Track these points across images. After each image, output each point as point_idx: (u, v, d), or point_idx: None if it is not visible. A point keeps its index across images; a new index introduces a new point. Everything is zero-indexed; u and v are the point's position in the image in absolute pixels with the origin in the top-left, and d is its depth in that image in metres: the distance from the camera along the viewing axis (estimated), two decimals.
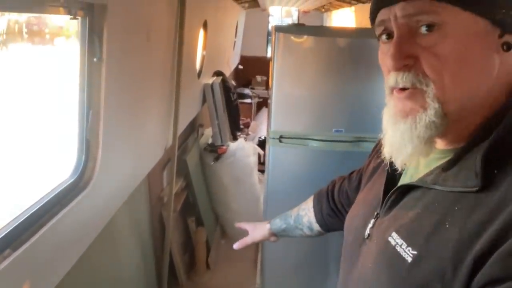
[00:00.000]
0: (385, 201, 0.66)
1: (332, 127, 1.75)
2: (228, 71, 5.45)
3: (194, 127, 3.55)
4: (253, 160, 3.64)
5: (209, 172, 3.45)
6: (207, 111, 3.87)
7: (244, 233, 3.81)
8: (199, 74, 3.41)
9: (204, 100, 3.70)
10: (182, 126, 2.78)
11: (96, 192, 1.41)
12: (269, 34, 8.75)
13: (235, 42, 6.37)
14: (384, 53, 0.61)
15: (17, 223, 1.03)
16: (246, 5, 5.73)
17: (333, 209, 1.06)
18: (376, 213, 0.69)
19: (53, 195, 1.19)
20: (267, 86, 7.80)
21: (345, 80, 1.71)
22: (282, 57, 1.74)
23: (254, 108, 7.09)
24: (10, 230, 1.00)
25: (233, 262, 3.21)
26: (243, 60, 7.72)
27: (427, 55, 0.55)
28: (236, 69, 7.27)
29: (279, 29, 1.72)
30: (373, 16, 0.63)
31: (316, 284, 2.04)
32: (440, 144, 0.62)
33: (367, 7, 4.02)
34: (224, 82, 4.09)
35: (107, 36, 1.28)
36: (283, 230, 1.20)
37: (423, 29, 0.55)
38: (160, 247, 2.60)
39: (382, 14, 0.60)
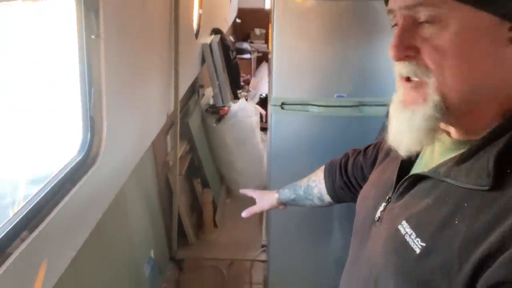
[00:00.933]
0: (397, 187, 0.67)
1: (334, 92, 1.74)
2: (226, 27, 5.32)
3: (194, 88, 3.53)
4: (255, 120, 3.65)
5: (212, 133, 3.48)
6: (206, 71, 3.83)
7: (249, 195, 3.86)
8: (196, 34, 3.34)
9: (203, 60, 3.65)
10: (183, 89, 2.77)
11: (104, 167, 1.44)
12: None
13: None
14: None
15: (31, 205, 1.07)
16: None
17: (346, 183, 1.07)
18: (388, 197, 0.69)
19: (62, 174, 1.22)
20: (266, 39, 7.62)
21: (348, 43, 1.68)
22: (282, 20, 1.70)
23: (253, 63, 6.97)
24: (26, 213, 1.03)
25: (239, 220, 3.26)
26: (241, 13, 7.49)
27: (427, 47, 0.55)
28: (234, 23, 7.08)
29: None
30: (386, 4, 0.63)
31: (320, 240, 2.12)
32: (455, 134, 0.61)
33: None
34: (222, 40, 4.00)
35: (103, 11, 1.25)
36: (293, 200, 1.22)
37: (424, 21, 0.55)
38: (169, 210, 2.68)
39: (390, 3, 0.60)
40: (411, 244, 0.58)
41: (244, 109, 3.48)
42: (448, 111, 0.56)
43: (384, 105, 1.48)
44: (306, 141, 1.81)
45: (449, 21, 0.53)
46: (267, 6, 8.28)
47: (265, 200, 1.27)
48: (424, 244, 0.56)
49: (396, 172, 0.69)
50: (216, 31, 4.23)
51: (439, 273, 0.53)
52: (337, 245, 2.03)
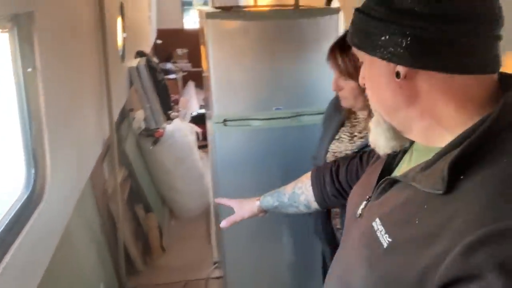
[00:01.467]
0: (376, 188, 0.75)
1: (272, 106, 1.83)
2: (148, 49, 5.29)
3: (124, 113, 3.46)
4: (192, 139, 3.66)
5: (149, 157, 3.42)
6: (134, 94, 3.77)
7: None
8: (122, 58, 3.30)
9: (130, 84, 3.59)
10: (116, 114, 2.72)
11: (50, 203, 1.39)
12: (183, 3, 8.49)
13: (150, 16, 6.13)
14: None
15: None
16: None
17: (339, 190, 1.09)
18: (368, 196, 0.77)
19: (10, 216, 1.16)
20: (189, 58, 7.66)
21: (280, 59, 1.79)
22: (216, 43, 1.77)
23: (180, 83, 6.96)
24: None
25: (186, 241, 3.28)
26: (161, 34, 7.46)
27: (365, 79, 0.73)
28: (155, 44, 7.03)
29: (209, 15, 1.74)
30: None
31: (272, 247, 2.18)
32: (424, 142, 0.69)
33: None
34: (148, 62, 3.98)
35: (38, 44, 1.23)
36: (275, 207, 1.21)
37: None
38: (114, 240, 2.59)
39: None
40: (381, 239, 0.64)
41: (180, 129, 3.48)
42: (389, 125, 0.71)
43: (319, 113, 1.59)
44: (250, 153, 1.88)
45: (365, 62, 0.71)
46: (186, 26, 8.35)
47: (245, 208, 1.27)
48: (390, 240, 0.62)
49: (377, 176, 0.78)
50: (140, 54, 4.19)
51: (401, 267, 0.59)
52: (289, 250, 2.11)
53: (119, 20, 3.11)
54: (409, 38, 0.60)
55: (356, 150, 1.30)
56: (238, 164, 1.90)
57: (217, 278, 2.76)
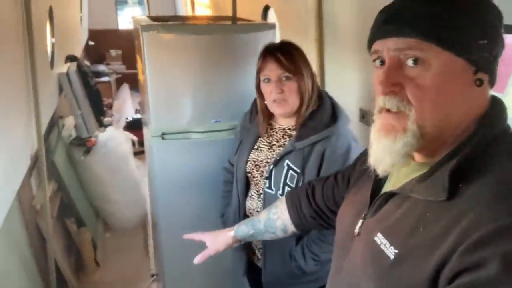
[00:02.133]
0: (372, 205, 0.75)
1: (211, 118, 1.84)
2: (79, 51, 5.05)
3: (53, 122, 3.27)
4: (127, 147, 3.55)
5: (81, 167, 3.26)
6: (64, 101, 3.58)
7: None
8: (51, 64, 3.12)
9: (60, 90, 3.41)
10: (44, 125, 2.57)
11: None
12: (117, 3, 8.20)
13: (81, 17, 5.85)
14: (377, 77, 0.69)
15: None
16: None
17: (317, 211, 1.09)
18: (364, 214, 0.77)
19: None
20: (123, 60, 7.41)
21: (218, 73, 1.79)
22: (152, 56, 1.73)
23: (113, 85, 6.70)
24: None
25: (122, 254, 3.17)
26: (93, 34, 7.15)
27: (411, 85, 0.64)
28: (87, 45, 6.72)
29: (145, 28, 1.70)
30: (369, 45, 0.71)
31: (214, 262, 2.18)
32: (417, 158, 0.71)
33: None
34: (79, 67, 3.80)
35: None
36: (251, 235, 1.20)
37: (410, 62, 0.64)
38: (43, 258, 2.44)
39: (377, 45, 0.68)
40: (386, 251, 0.66)
41: (114, 137, 3.36)
42: (422, 139, 0.66)
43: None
44: (189, 166, 1.87)
45: (432, 63, 0.63)
46: (121, 26, 8.07)
47: (219, 241, 1.23)
48: (397, 251, 0.64)
49: (369, 192, 0.78)
50: (71, 58, 3.98)
51: (412, 273, 0.61)
52: (230, 260, 2.11)
53: (47, 25, 2.93)
54: (497, 48, 0.63)
55: (278, 157, 1.41)
56: (177, 177, 1.88)
57: None
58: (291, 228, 1.14)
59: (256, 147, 1.51)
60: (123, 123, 5.20)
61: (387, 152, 0.68)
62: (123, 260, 3.09)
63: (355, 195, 0.87)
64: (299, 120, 1.41)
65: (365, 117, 2.17)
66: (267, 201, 1.43)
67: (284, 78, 1.38)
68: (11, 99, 1.94)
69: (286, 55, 1.38)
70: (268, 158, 1.47)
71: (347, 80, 2.22)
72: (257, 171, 1.49)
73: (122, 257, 3.12)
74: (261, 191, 1.48)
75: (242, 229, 1.21)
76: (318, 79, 2.37)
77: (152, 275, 2.84)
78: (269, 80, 1.40)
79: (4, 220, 1.70)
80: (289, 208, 1.14)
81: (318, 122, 1.38)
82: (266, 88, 1.41)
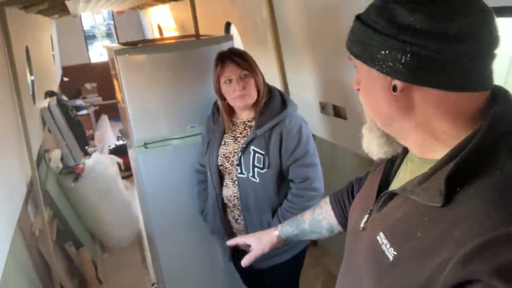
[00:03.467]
0: (377, 201, 0.76)
1: (187, 124, 2.06)
2: (55, 87, 5.22)
3: (41, 155, 3.43)
4: (114, 170, 3.72)
5: (72, 193, 3.42)
6: (47, 135, 3.75)
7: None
8: (33, 100, 3.31)
9: (43, 124, 3.58)
10: (35, 155, 2.74)
11: None
12: (86, 38, 8.39)
13: (53, 55, 6.03)
14: None
15: None
16: (56, 15, 5.46)
17: None
18: (370, 209, 0.78)
19: None
20: (99, 92, 7.58)
21: (187, 84, 2.02)
22: (127, 76, 1.95)
23: (93, 117, 6.86)
24: None
25: (122, 270, 3.32)
26: (67, 70, 7.32)
27: (360, 86, 0.73)
28: (62, 81, 6.88)
29: (118, 52, 1.93)
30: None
31: (210, 260, 2.34)
32: (417, 153, 0.71)
33: (180, 4, 4.36)
34: (59, 101, 4.00)
35: None
36: (296, 235, 1.20)
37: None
38: (49, 280, 2.58)
39: None
40: (386, 253, 0.66)
41: (100, 161, 3.53)
42: (379, 131, 0.74)
43: None
44: (172, 170, 2.08)
45: (362, 71, 0.70)
46: (93, 59, 8.26)
47: (264, 242, 1.22)
48: (396, 253, 0.64)
49: (377, 187, 0.80)
50: (50, 93, 4.18)
51: (407, 279, 0.61)
52: (227, 264, 2.25)
53: (26, 64, 3.13)
54: (408, 55, 0.60)
55: (244, 145, 1.65)
56: (163, 182, 2.08)
57: None
58: (338, 227, 1.13)
59: (223, 142, 1.77)
60: (106, 151, 5.35)
61: (371, 141, 0.76)
62: (124, 275, 3.23)
63: (366, 188, 0.88)
64: (257, 109, 1.66)
65: (325, 108, 2.42)
66: (241, 184, 1.68)
67: (243, 76, 1.64)
68: (4, 132, 2.13)
69: (240, 57, 1.65)
70: (235, 149, 1.72)
71: (306, 78, 2.47)
72: (228, 162, 1.74)
73: (122, 273, 3.26)
74: (234, 178, 1.72)
75: (287, 229, 1.21)
76: (280, 80, 2.64)
77: (153, 284, 3.00)
78: (230, 80, 1.65)
79: (10, 246, 1.86)
80: (334, 208, 1.13)
81: (272, 110, 1.65)
82: (228, 89, 1.66)
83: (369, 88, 0.69)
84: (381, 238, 0.69)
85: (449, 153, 0.63)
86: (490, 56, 0.62)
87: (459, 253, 0.54)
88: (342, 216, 1.12)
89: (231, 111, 1.75)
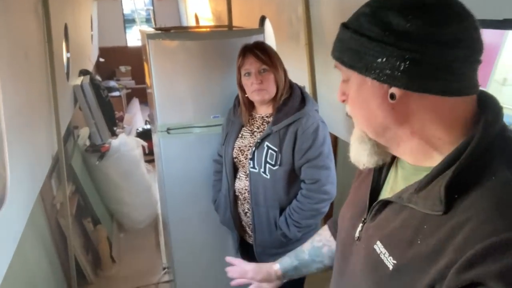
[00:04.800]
0: (370, 210, 0.75)
1: (211, 114, 2.07)
2: (91, 67, 5.35)
3: (69, 131, 3.53)
4: (138, 152, 3.78)
5: (96, 172, 3.50)
6: (78, 113, 3.85)
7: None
8: (67, 77, 3.40)
9: (75, 102, 3.68)
10: (63, 130, 2.82)
11: (9, 210, 1.50)
12: (125, 22, 8.56)
13: (92, 35, 6.18)
14: None
15: None
16: None
17: None
18: (363, 218, 0.77)
19: None
20: (133, 76, 7.73)
21: (215, 73, 2.03)
22: (157, 61, 1.98)
23: (124, 100, 7.00)
24: None
25: (136, 252, 3.39)
26: (103, 52, 7.48)
27: (348, 97, 0.71)
28: (97, 62, 7.04)
29: (150, 36, 1.95)
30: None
31: (221, 254, 2.35)
32: (409, 160, 0.70)
33: None
34: (92, 80, 4.08)
35: None
36: (295, 267, 1.13)
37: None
38: (64, 253, 2.66)
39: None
40: (385, 261, 0.66)
41: (125, 143, 3.60)
42: (370, 142, 0.72)
43: None
44: (192, 158, 2.10)
45: (352, 81, 0.68)
46: (130, 43, 8.41)
47: (262, 269, 1.16)
48: (395, 262, 0.64)
49: (368, 195, 0.78)
50: (84, 72, 4.28)
51: (409, 286, 0.61)
52: (235, 252, 2.26)
53: (63, 41, 3.22)
54: (407, 62, 0.60)
55: (259, 140, 1.65)
56: (182, 168, 2.10)
57: (167, 282, 2.91)
58: None
59: (240, 135, 1.77)
60: (134, 134, 5.46)
61: (354, 152, 0.75)
62: (137, 257, 3.30)
63: (355, 194, 0.87)
64: (275, 105, 1.66)
65: None
66: (253, 178, 1.69)
67: (262, 70, 1.63)
68: (35, 106, 2.20)
69: (261, 51, 1.65)
70: (251, 143, 1.72)
71: (334, 79, 2.43)
72: (242, 155, 1.74)
73: (136, 255, 3.33)
74: (247, 172, 1.71)
75: (286, 261, 1.14)
76: (309, 79, 2.60)
77: (164, 268, 3.05)
78: (249, 74, 1.65)
79: (30, 215, 1.92)
80: (334, 234, 1.08)
81: (290, 107, 1.63)
82: (247, 81, 1.66)
83: (362, 97, 0.68)
84: (379, 247, 0.68)
85: (445, 160, 0.62)
86: (479, 61, 0.63)
87: (461, 258, 0.54)
88: None
89: (250, 105, 1.75)
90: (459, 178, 0.60)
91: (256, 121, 1.75)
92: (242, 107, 1.74)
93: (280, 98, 1.65)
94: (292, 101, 1.64)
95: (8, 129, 1.45)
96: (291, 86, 1.69)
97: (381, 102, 0.65)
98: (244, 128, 1.78)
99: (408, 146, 0.68)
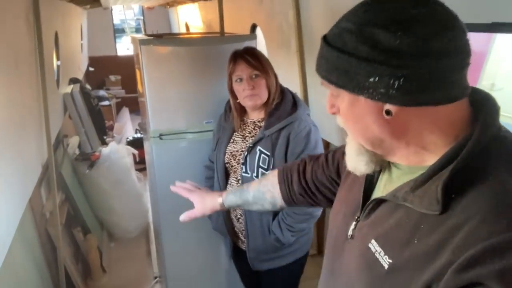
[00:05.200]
0: (364, 208, 0.75)
1: (203, 120, 2.07)
2: (80, 76, 5.32)
3: (59, 139, 3.50)
4: (129, 160, 3.76)
5: (86, 180, 3.47)
6: (68, 121, 3.82)
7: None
8: (57, 85, 3.38)
9: (64, 110, 3.65)
10: (53, 138, 2.79)
11: None
12: (115, 31, 8.55)
13: (82, 44, 6.17)
14: None
15: None
16: (88, 6, 5.59)
17: (305, 189, 1.07)
18: (356, 216, 0.76)
19: None
20: (123, 85, 7.70)
21: (207, 79, 2.04)
22: (150, 67, 1.98)
23: (114, 109, 6.96)
24: None
25: (127, 261, 3.34)
26: (93, 61, 7.46)
27: (339, 111, 0.70)
28: (87, 71, 7.01)
29: (143, 42, 1.95)
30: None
31: (213, 261, 2.35)
32: (405, 162, 0.70)
33: (210, 4, 4.40)
34: (82, 88, 4.06)
35: None
36: (239, 205, 1.22)
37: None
38: (54, 262, 2.62)
39: None
40: (381, 261, 0.65)
41: (116, 151, 3.57)
42: (368, 153, 0.71)
43: None
44: (185, 164, 2.09)
45: (343, 97, 0.66)
46: (120, 52, 8.40)
47: (207, 205, 1.23)
48: (391, 261, 0.64)
49: (361, 194, 0.77)
50: (74, 80, 4.26)
51: (405, 285, 0.61)
52: (228, 259, 2.25)
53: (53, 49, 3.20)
54: (401, 79, 0.59)
55: (251, 145, 1.66)
56: (175, 174, 2.06)
57: None
58: (280, 202, 1.14)
59: (232, 140, 1.77)
60: (124, 143, 5.42)
61: (358, 161, 0.73)
62: (128, 266, 3.25)
63: (348, 192, 0.86)
64: (267, 110, 1.66)
65: None
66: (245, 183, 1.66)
67: (253, 76, 1.64)
68: (25, 113, 2.17)
69: (252, 56, 1.66)
70: (243, 148, 1.72)
71: None
72: (234, 160, 1.74)
73: (126, 264, 3.29)
74: (239, 177, 1.71)
75: (230, 199, 1.22)
76: (300, 85, 2.62)
77: (155, 277, 3.01)
78: (241, 79, 1.65)
79: (19, 224, 1.88)
80: (280, 182, 1.13)
81: (282, 112, 1.64)
82: (238, 87, 1.66)
83: (356, 114, 0.66)
84: (374, 246, 0.68)
85: (441, 160, 0.62)
86: (469, 63, 0.62)
87: (460, 258, 0.54)
88: (288, 193, 1.11)
89: (242, 110, 1.75)
90: (456, 178, 0.59)
91: (248, 126, 1.76)
92: (234, 113, 1.75)
93: (272, 102, 1.66)
94: (284, 105, 1.65)
95: None
96: (283, 91, 1.71)
97: (376, 118, 0.64)
98: (236, 133, 1.78)
99: (405, 153, 0.68)
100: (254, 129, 1.73)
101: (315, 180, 1.06)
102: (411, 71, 0.59)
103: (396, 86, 0.59)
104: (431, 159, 0.65)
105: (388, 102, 0.61)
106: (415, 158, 0.67)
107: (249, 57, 1.65)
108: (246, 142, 1.72)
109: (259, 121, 1.73)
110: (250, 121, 1.75)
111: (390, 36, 0.59)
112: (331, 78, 0.65)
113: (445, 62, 0.59)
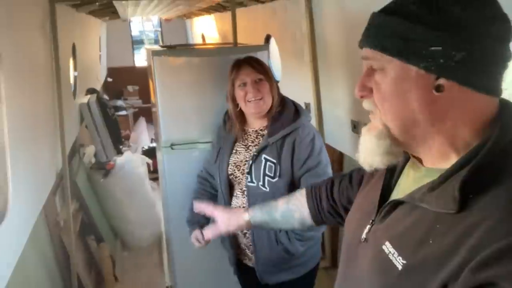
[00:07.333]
0: (379, 211, 0.73)
1: (214, 130, 2.07)
2: (98, 86, 5.42)
3: (75, 148, 3.55)
4: (143, 170, 3.78)
5: (101, 189, 3.50)
6: (84, 131, 3.88)
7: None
8: (74, 95, 3.44)
9: (81, 120, 3.71)
10: (68, 147, 2.83)
11: (9, 226, 1.49)
12: (133, 42, 8.70)
13: (100, 55, 6.29)
14: None
15: None
16: (107, 18, 5.71)
17: (333, 207, 1.07)
18: (371, 220, 0.75)
19: None
20: (140, 95, 7.81)
21: (219, 89, 2.03)
22: (162, 77, 2.00)
23: (131, 119, 7.06)
24: None
25: (139, 270, 3.35)
26: (111, 71, 7.58)
27: (376, 89, 0.67)
28: (106, 81, 7.14)
29: (155, 53, 1.98)
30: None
31: (223, 268, 2.32)
32: (426, 163, 0.69)
33: (225, 15, 4.45)
34: (99, 98, 4.12)
35: (3, 75, 1.39)
36: (265, 222, 1.17)
37: (376, 69, 0.67)
38: (67, 270, 2.64)
39: (360, 53, 0.71)
40: (394, 262, 0.64)
41: (131, 160, 3.60)
42: (389, 139, 0.68)
43: None
44: (196, 174, 2.08)
45: (388, 70, 0.64)
46: (138, 63, 8.54)
47: (232, 221, 1.20)
48: (405, 262, 0.63)
49: (378, 197, 0.76)
50: (91, 91, 4.33)
51: (420, 286, 0.60)
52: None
53: (70, 60, 3.27)
54: (463, 53, 0.58)
55: (256, 153, 1.63)
56: (186, 184, 2.08)
57: None
58: (309, 222, 1.12)
59: (234, 151, 1.75)
60: (140, 152, 5.48)
61: (368, 150, 0.71)
62: (140, 275, 3.26)
63: (364, 198, 0.85)
64: (269, 117, 1.66)
65: (356, 127, 2.37)
66: (251, 194, 1.65)
67: (257, 80, 1.64)
68: (40, 122, 2.21)
69: (256, 62, 1.67)
70: (246, 158, 1.70)
71: (339, 95, 2.43)
72: (238, 170, 1.71)
73: (138, 273, 3.29)
74: (244, 188, 1.68)
75: (257, 216, 1.18)
76: (313, 95, 2.61)
77: (167, 287, 2.99)
78: (245, 84, 1.65)
79: (31, 231, 1.91)
80: (309, 201, 1.11)
81: (285, 119, 1.63)
82: (241, 92, 1.65)
83: (400, 88, 0.64)
84: (387, 247, 0.67)
85: (460, 161, 0.62)
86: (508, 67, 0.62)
87: (476, 258, 0.53)
88: (316, 210, 1.10)
89: (243, 119, 1.74)
90: (474, 177, 0.59)
91: (250, 135, 1.74)
92: (235, 122, 1.73)
93: (274, 109, 1.66)
94: (287, 112, 1.65)
95: (12, 143, 1.45)
96: (283, 99, 1.71)
97: (422, 94, 0.62)
98: (238, 143, 1.76)
99: (428, 146, 0.66)
100: (256, 138, 1.72)
101: (341, 198, 1.05)
102: (475, 47, 0.58)
103: (456, 59, 0.58)
104: (452, 160, 0.64)
105: (443, 75, 0.60)
106: (438, 155, 0.66)
107: (253, 62, 1.67)
108: (250, 152, 1.70)
109: (261, 130, 1.71)
110: (252, 130, 1.74)
111: (458, 7, 0.59)
112: (385, 45, 0.64)
113: (503, 49, 0.60)
